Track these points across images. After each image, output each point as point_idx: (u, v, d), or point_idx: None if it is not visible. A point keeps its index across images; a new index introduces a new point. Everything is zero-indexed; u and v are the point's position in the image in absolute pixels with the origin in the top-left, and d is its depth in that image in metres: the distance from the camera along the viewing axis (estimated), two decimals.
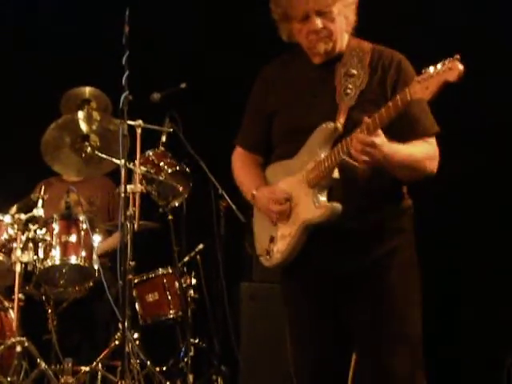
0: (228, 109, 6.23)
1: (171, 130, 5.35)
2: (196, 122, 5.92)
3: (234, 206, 5.46)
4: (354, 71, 2.94)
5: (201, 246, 5.67)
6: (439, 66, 2.55)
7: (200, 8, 6.40)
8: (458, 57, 2.54)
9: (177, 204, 5.34)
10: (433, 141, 2.94)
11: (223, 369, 5.28)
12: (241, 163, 3.25)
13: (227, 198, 5.49)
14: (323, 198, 2.87)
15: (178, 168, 5.21)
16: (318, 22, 2.89)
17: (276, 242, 3.01)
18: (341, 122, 2.87)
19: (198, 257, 5.66)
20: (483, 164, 5.44)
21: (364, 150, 2.69)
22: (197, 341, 5.42)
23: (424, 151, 2.88)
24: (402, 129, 2.82)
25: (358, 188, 2.87)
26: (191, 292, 5.45)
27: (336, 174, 2.85)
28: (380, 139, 2.70)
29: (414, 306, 2.95)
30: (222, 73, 6.27)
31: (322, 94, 2.97)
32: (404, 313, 2.91)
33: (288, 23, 2.99)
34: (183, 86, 5.45)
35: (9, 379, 4.43)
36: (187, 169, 5.26)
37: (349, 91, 2.90)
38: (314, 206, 2.86)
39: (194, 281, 5.51)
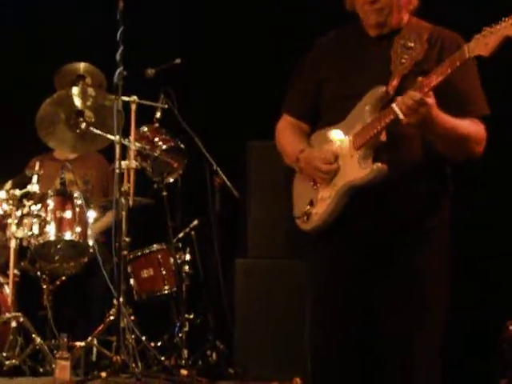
0: (223, 84, 6.26)
1: (166, 105, 5.34)
2: (191, 97, 5.91)
3: (228, 182, 5.47)
4: (411, 44, 2.92)
5: (195, 222, 5.67)
6: (501, 22, 2.53)
7: None
8: None
9: (171, 180, 5.35)
10: (480, 123, 2.89)
11: (218, 344, 5.30)
12: (287, 129, 3.22)
13: (222, 174, 5.49)
14: (369, 160, 2.85)
15: (172, 144, 5.21)
16: None
17: (315, 205, 2.99)
18: (393, 85, 2.86)
19: (193, 233, 5.67)
20: None
21: (412, 105, 2.66)
22: (191, 316, 5.44)
23: (471, 129, 2.84)
24: (451, 105, 2.79)
25: (404, 155, 2.85)
26: (186, 268, 5.46)
27: (384, 136, 2.83)
28: (431, 100, 2.67)
29: (443, 289, 2.92)
30: (218, 48, 6.25)
31: (376, 63, 2.96)
32: (432, 295, 2.88)
33: None
34: (178, 61, 5.44)
35: (4, 354, 4.43)
36: (182, 145, 5.26)
37: (403, 61, 2.89)
38: (359, 167, 2.83)
39: (188, 257, 5.52)
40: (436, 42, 2.94)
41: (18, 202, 4.78)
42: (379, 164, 2.80)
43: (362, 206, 2.87)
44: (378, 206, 2.86)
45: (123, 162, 4.80)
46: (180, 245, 5.55)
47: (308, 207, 3.02)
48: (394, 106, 2.73)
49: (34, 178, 4.86)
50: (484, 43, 2.55)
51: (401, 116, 2.70)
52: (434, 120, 2.71)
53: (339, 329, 2.98)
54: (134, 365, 4.48)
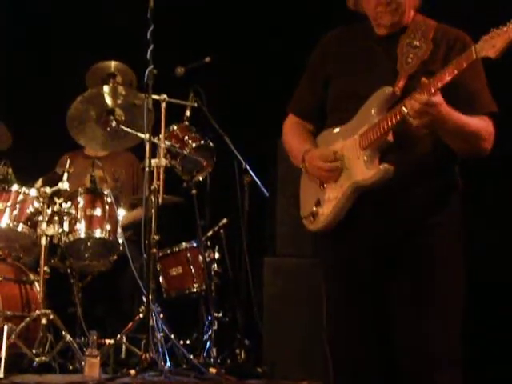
0: (253, 82, 6.25)
1: (195, 104, 5.35)
2: (220, 96, 5.91)
3: (257, 181, 5.47)
4: (417, 43, 2.91)
5: (224, 221, 5.68)
6: (508, 23, 2.51)
7: None
8: None
9: (201, 178, 5.35)
10: (488, 119, 2.88)
11: (246, 342, 5.30)
12: (292, 130, 3.22)
13: (251, 172, 5.49)
14: (375, 160, 2.84)
15: (202, 142, 5.21)
16: None
17: (322, 205, 2.99)
18: (400, 86, 2.85)
19: (222, 231, 5.68)
20: None
21: (420, 108, 2.65)
22: (220, 314, 5.46)
23: (480, 126, 2.83)
24: (459, 103, 2.78)
25: (410, 155, 2.84)
26: (215, 266, 5.48)
27: (390, 137, 2.82)
28: (438, 98, 2.65)
29: (456, 286, 2.90)
30: (247, 46, 6.25)
31: (383, 62, 2.95)
32: (444, 292, 2.86)
33: None
34: (207, 60, 5.44)
35: (34, 351, 4.46)
36: (211, 143, 5.27)
37: (410, 60, 2.88)
38: (366, 167, 2.83)
39: (217, 255, 5.54)
40: (441, 40, 2.92)
41: (49, 200, 4.81)
42: (386, 165, 2.79)
43: (369, 205, 2.87)
44: (384, 206, 2.86)
45: (153, 160, 4.80)
46: (209, 243, 5.56)
47: (315, 208, 3.02)
48: (402, 109, 2.71)
49: (65, 176, 4.89)
50: (491, 45, 2.52)
51: (411, 120, 2.69)
52: (445, 117, 2.69)
53: (355, 329, 2.98)
54: (162, 363, 4.49)
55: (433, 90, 2.64)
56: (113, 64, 5.61)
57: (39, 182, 4.93)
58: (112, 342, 4.67)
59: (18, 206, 4.80)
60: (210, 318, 5.29)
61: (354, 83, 2.98)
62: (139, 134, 4.93)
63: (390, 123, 2.77)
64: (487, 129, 2.87)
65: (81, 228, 4.87)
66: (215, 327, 5.23)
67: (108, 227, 4.92)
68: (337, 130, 3.01)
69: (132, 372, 4.26)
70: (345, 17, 3.14)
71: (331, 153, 2.95)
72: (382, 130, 2.79)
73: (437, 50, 2.90)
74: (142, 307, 4.65)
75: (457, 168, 2.99)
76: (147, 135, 4.64)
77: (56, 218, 4.81)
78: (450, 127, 2.73)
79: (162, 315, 4.85)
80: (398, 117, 2.73)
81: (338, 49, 3.12)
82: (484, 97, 2.90)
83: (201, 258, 5.35)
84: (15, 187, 4.84)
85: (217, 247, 5.57)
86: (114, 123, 5.09)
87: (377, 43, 3.02)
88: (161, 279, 5.33)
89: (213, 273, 5.44)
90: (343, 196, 2.90)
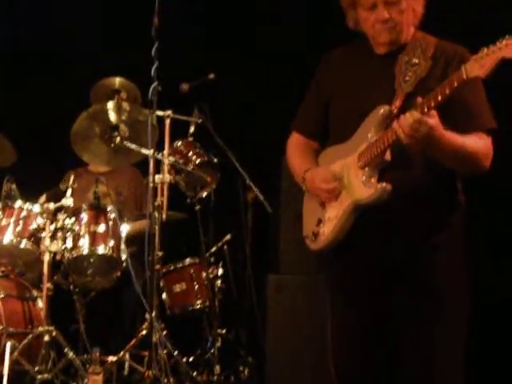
0: (256, 100, 6.26)
1: (200, 120, 5.35)
2: (224, 112, 5.91)
3: (261, 197, 5.46)
4: (416, 60, 2.93)
5: (228, 237, 5.68)
6: (497, 43, 2.52)
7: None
8: None
9: (205, 194, 5.35)
10: (486, 137, 2.89)
11: (250, 360, 5.29)
12: (296, 148, 3.26)
13: (255, 188, 5.48)
14: (373, 179, 2.85)
15: (206, 159, 5.21)
16: (385, 13, 2.90)
17: (323, 225, 3.00)
18: (396, 105, 2.85)
19: (226, 247, 5.67)
20: None
21: (413, 126, 2.65)
22: (224, 331, 5.43)
23: (476, 145, 2.83)
24: (457, 119, 2.78)
25: (409, 173, 2.85)
26: (218, 282, 5.46)
27: (388, 156, 2.83)
28: (434, 121, 2.66)
29: (458, 305, 2.90)
30: (251, 63, 6.26)
31: (381, 81, 2.97)
32: (446, 312, 2.87)
33: (355, 11, 3.01)
34: (212, 76, 5.45)
35: (37, 368, 4.44)
36: (215, 159, 5.27)
37: (408, 78, 2.89)
38: (364, 186, 2.85)
39: (221, 271, 5.53)
40: (440, 57, 2.94)
41: (52, 216, 4.81)
42: (384, 184, 2.81)
43: (370, 224, 2.87)
44: (385, 225, 2.87)
45: (157, 176, 4.80)
46: (212, 259, 5.55)
47: (316, 227, 3.03)
48: (394, 125, 2.72)
49: (68, 192, 4.89)
50: (481, 65, 2.54)
51: (401, 136, 2.69)
52: (440, 140, 2.70)
53: (359, 346, 3.00)
54: (166, 380, 4.47)
55: (426, 109, 2.65)
56: (117, 80, 5.61)
57: (43, 198, 4.94)
58: (115, 358, 4.66)
59: (21, 221, 4.80)
60: (213, 334, 5.27)
61: (354, 102, 3.00)
62: (143, 150, 4.93)
63: (386, 142, 2.78)
64: (485, 147, 2.87)
65: (84, 244, 4.86)
66: (219, 344, 5.21)
67: (111, 243, 4.91)
68: (337, 148, 3.03)
69: None
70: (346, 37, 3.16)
71: (330, 173, 2.96)
72: (380, 149, 2.81)
73: (435, 67, 2.91)
74: (145, 324, 4.64)
75: (459, 185, 2.98)
76: (151, 151, 4.64)
77: (59, 234, 4.80)
78: (445, 149, 2.74)
79: (165, 332, 4.83)
80: (395, 136, 2.73)
81: (338, 68, 3.14)
82: (483, 113, 2.90)
83: (204, 274, 5.34)
84: (19, 203, 4.84)
85: (220, 263, 5.56)
86: (118, 139, 5.09)
87: (376, 62, 3.04)
88: (164, 295, 5.32)
89: (216, 289, 5.43)
90: (343, 215, 2.92)
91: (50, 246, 4.72)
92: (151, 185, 4.63)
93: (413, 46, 2.97)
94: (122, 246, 4.94)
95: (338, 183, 2.95)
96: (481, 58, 2.54)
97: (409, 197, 2.84)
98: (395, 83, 2.91)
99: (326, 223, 2.99)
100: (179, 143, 5.24)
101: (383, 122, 2.86)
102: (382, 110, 2.86)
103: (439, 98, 2.63)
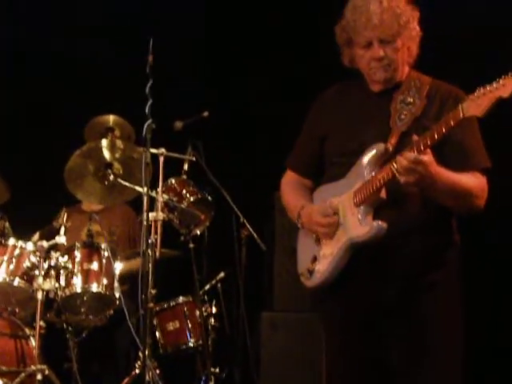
0: (250, 137, 6.29)
1: (193, 158, 5.36)
2: (218, 150, 5.93)
3: (255, 235, 5.46)
4: (411, 99, 2.95)
5: (222, 275, 5.66)
6: (493, 83, 2.54)
7: (220, 36, 6.46)
8: None
9: (198, 232, 5.34)
10: (481, 176, 2.91)
11: None
12: (289, 186, 3.28)
13: (249, 226, 5.48)
14: (369, 217, 2.85)
15: (199, 196, 5.21)
16: (381, 51, 2.93)
17: (318, 262, 3.00)
18: (392, 143, 2.87)
19: (219, 285, 5.65)
20: None
21: (409, 166, 2.67)
22: (217, 370, 5.39)
23: (471, 184, 2.85)
24: (452, 158, 2.80)
25: (405, 211, 2.86)
26: (212, 320, 5.43)
27: (383, 194, 2.83)
28: (428, 157, 2.67)
29: (453, 345, 2.90)
30: (245, 101, 6.29)
31: (376, 119, 2.99)
32: (441, 351, 2.87)
33: (351, 49, 3.05)
34: (205, 114, 5.47)
35: None
36: (209, 197, 5.27)
37: (403, 117, 2.92)
38: (360, 224, 2.85)
39: (214, 309, 5.49)
40: (435, 96, 2.96)
41: (46, 254, 4.79)
42: (379, 222, 2.81)
43: (365, 262, 2.88)
44: (380, 263, 2.87)
45: (150, 214, 4.79)
46: (206, 297, 5.52)
47: (311, 264, 3.03)
48: (392, 166, 2.73)
49: (62, 230, 4.88)
50: (478, 104, 2.56)
51: (398, 176, 2.70)
52: (434, 177, 2.72)
53: (355, 383, 2.97)
54: None
55: (422, 148, 2.66)
56: (111, 118, 5.64)
57: (36, 236, 4.92)
58: None
59: (14, 260, 4.77)
60: (206, 373, 5.23)
61: (349, 139, 3.02)
62: (137, 188, 4.93)
63: (382, 180, 2.80)
64: (479, 186, 2.89)
65: (77, 282, 4.84)
66: (212, 383, 5.17)
67: (105, 281, 4.89)
68: (333, 186, 3.04)
69: None
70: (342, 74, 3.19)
71: (329, 207, 2.96)
72: (375, 187, 2.82)
73: (430, 106, 2.93)
74: (139, 362, 4.61)
75: (455, 224, 2.99)
76: (145, 189, 4.64)
77: (52, 272, 4.78)
78: (439, 186, 2.75)
79: (158, 371, 4.80)
80: (390, 174, 2.75)
81: (334, 105, 3.16)
82: (478, 153, 2.92)
83: (198, 312, 5.30)
84: (12, 241, 4.82)
85: (214, 301, 5.53)
86: (111, 177, 5.09)
87: (371, 99, 3.06)
88: (157, 334, 5.29)
89: (210, 327, 5.39)
90: (338, 252, 2.91)
91: (43, 284, 4.69)
92: (145, 222, 4.63)
93: (408, 85, 3.00)
94: (116, 284, 4.92)
95: (337, 217, 2.95)
96: (477, 97, 2.57)
97: (404, 235, 2.84)
98: (390, 121, 2.93)
99: (321, 260, 2.99)
100: (173, 181, 5.25)
101: (378, 159, 2.88)
102: (377, 148, 2.88)
103: (436, 136, 2.64)
